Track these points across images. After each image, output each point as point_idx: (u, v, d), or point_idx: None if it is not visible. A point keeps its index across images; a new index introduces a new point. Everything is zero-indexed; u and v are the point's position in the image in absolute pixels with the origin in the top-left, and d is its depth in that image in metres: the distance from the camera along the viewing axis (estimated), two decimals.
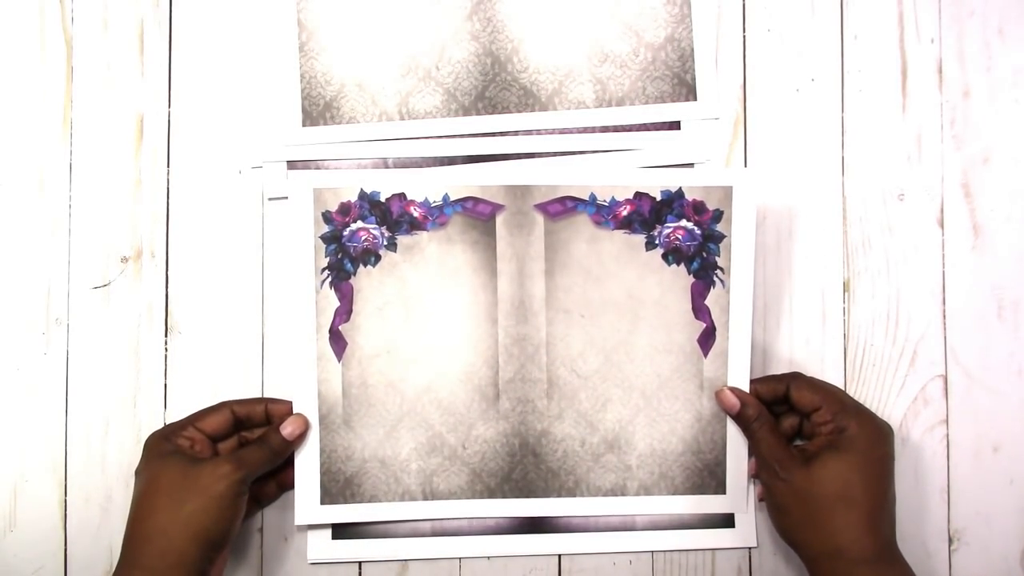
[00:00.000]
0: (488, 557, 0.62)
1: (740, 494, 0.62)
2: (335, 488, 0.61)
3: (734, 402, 0.60)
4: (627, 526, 0.62)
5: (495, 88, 0.63)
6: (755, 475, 0.61)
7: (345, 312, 0.60)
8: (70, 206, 0.63)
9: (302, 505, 0.61)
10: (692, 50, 0.63)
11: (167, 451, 0.56)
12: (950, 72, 0.64)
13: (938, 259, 0.63)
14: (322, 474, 0.61)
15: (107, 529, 0.62)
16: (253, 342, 0.63)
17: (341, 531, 0.62)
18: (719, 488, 0.62)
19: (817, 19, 0.64)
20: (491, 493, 0.62)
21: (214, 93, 0.64)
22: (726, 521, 0.62)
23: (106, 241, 0.63)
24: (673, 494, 0.62)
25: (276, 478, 0.61)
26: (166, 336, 0.63)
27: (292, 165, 0.63)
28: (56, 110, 0.63)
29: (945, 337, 0.63)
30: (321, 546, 0.62)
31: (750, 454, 0.61)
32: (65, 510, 0.62)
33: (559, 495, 0.62)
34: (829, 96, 0.64)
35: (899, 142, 0.63)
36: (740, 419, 0.60)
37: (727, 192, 0.60)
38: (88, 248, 0.63)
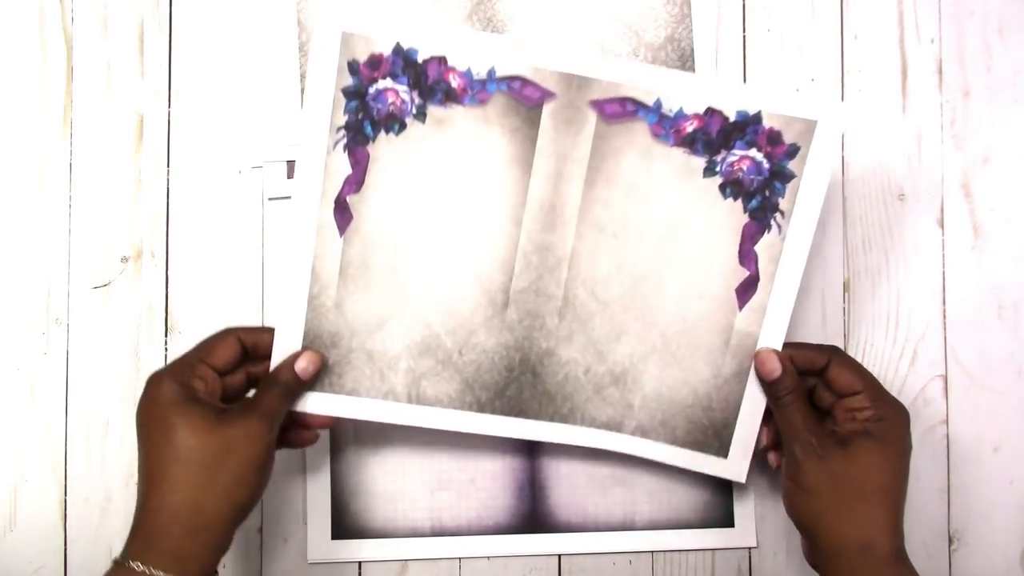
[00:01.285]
0: (488, 557, 0.62)
1: (742, 462, 0.57)
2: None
3: (775, 366, 0.55)
4: (627, 526, 0.62)
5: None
6: (768, 448, 0.58)
7: (356, 182, 0.54)
8: (70, 206, 0.63)
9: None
10: (692, 50, 0.63)
11: (184, 398, 0.50)
12: (950, 72, 0.64)
13: (938, 259, 0.63)
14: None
15: (107, 529, 0.62)
16: None
17: (341, 531, 0.62)
18: (721, 450, 0.57)
19: (817, 19, 0.64)
20: (481, 407, 0.57)
21: (214, 93, 0.64)
22: (726, 520, 0.62)
23: (106, 241, 0.63)
24: (672, 444, 0.57)
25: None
26: (166, 336, 0.63)
27: (292, 166, 0.63)
28: (56, 110, 0.63)
29: (945, 337, 0.63)
30: (321, 546, 0.62)
31: (763, 424, 0.57)
32: (65, 510, 0.62)
33: (551, 420, 0.57)
34: (829, 96, 0.64)
35: (899, 142, 0.63)
36: (774, 387, 0.55)
37: (809, 127, 0.53)
38: (88, 248, 0.63)
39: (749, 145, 0.54)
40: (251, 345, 0.55)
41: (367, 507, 0.62)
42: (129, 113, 0.64)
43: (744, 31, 0.64)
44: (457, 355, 0.56)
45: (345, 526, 0.62)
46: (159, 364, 0.63)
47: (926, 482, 0.62)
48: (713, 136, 0.54)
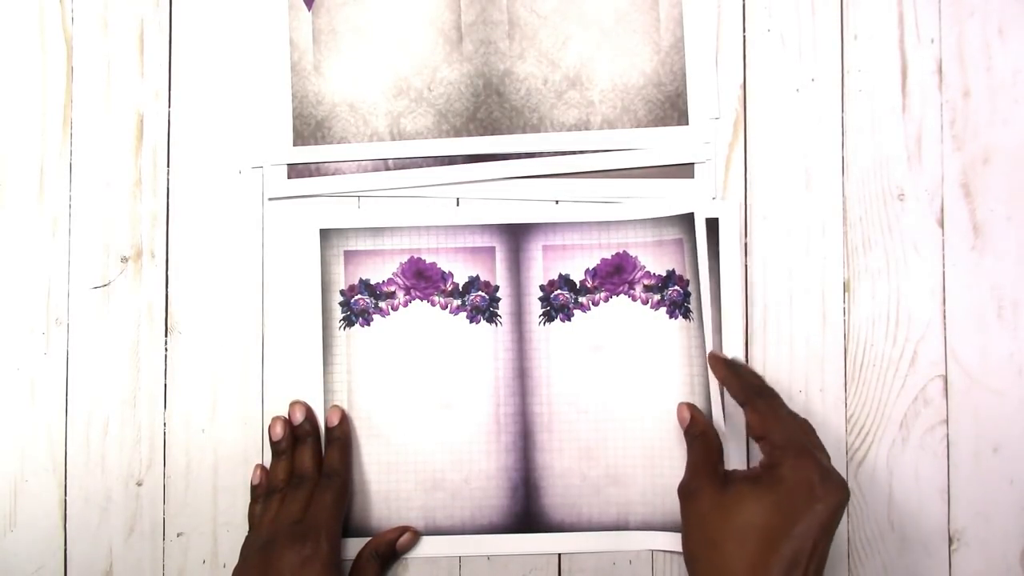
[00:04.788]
0: (488, 556, 0.62)
1: (705, 126, 0.62)
2: (307, 130, 0.62)
3: (685, 417, 0.59)
4: (620, 526, 0.62)
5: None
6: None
7: None
8: (70, 206, 0.63)
9: (273, 143, 0.62)
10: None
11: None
12: (950, 72, 0.64)
13: (938, 259, 0.63)
14: (294, 118, 0.62)
15: (107, 529, 0.62)
16: (253, 342, 0.63)
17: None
18: (681, 119, 0.62)
19: (817, 19, 0.64)
20: (457, 132, 0.62)
21: (214, 93, 0.64)
22: None
23: (106, 241, 0.63)
24: (636, 127, 0.62)
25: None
26: (166, 336, 0.63)
27: (293, 169, 0.63)
28: (56, 110, 0.63)
29: (945, 337, 0.63)
30: None
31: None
32: (65, 510, 0.62)
33: (524, 131, 0.62)
34: (829, 96, 0.64)
35: (899, 142, 0.63)
36: (686, 434, 0.59)
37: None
38: (88, 248, 0.63)
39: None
40: (384, 551, 0.61)
41: (360, 507, 0.62)
42: (129, 113, 0.63)
43: (744, 31, 0.64)
44: (427, 91, 0.62)
45: None
46: (159, 364, 0.63)
47: (926, 482, 0.62)
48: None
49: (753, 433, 0.55)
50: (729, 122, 0.63)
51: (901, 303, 0.63)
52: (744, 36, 0.64)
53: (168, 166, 0.64)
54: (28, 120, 0.63)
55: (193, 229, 0.63)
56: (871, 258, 0.63)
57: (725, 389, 0.60)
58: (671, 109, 0.62)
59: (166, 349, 0.63)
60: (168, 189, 0.63)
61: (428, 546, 0.62)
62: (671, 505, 0.61)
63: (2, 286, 0.63)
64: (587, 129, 0.62)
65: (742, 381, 0.58)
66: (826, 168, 0.63)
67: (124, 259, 0.63)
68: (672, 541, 0.61)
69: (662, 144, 0.63)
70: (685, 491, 0.56)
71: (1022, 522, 0.62)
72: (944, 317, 0.63)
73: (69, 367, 0.63)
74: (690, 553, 0.54)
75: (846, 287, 0.63)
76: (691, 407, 0.60)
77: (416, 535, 0.61)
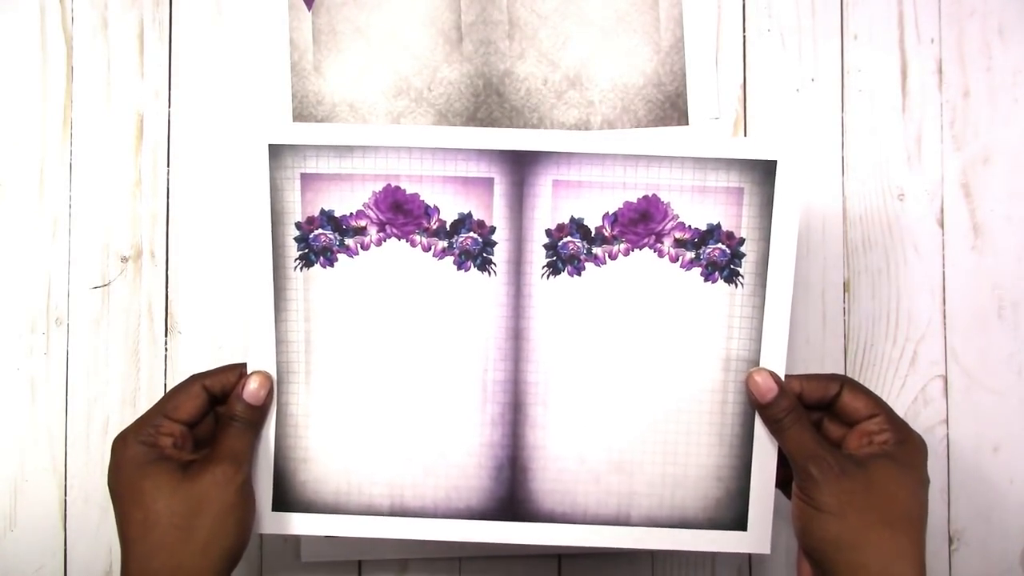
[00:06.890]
0: (487, 557, 0.62)
1: (705, 126, 0.59)
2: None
3: (771, 386, 0.51)
4: (620, 520, 0.54)
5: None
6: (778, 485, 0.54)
7: None
8: (70, 206, 0.63)
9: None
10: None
11: (149, 459, 0.49)
12: (950, 72, 0.64)
13: (938, 259, 0.63)
14: (294, 118, 0.60)
15: (107, 529, 0.62)
16: None
17: (284, 502, 0.54)
18: (681, 119, 0.60)
19: (817, 19, 0.64)
20: None
21: (214, 94, 0.64)
22: (737, 522, 0.54)
23: (106, 241, 0.63)
24: (636, 127, 0.60)
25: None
26: (166, 336, 0.63)
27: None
28: (56, 110, 0.63)
29: (945, 337, 0.63)
30: (260, 518, 0.54)
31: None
32: (65, 510, 0.62)
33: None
34: (829, 96, 0.64)
35: (899, 142, 0.63)
36: (771, 408, 0.51)
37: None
38: (88, 248, 0.63)
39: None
40: (218, 391, 0.53)
41: (317, 477, 0.54)
42: (129, 113, 0.64)
43: (744, 31, 0.64)
44: (427, 91, 0.61)
45: (290, 497, 0.54)
46: (159, 364, 0.63)
47: None
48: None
49: (861, 415, 0.51)
50: (729, 122, 0.63)
51: (901, 303, 0.63)
52: (744, 36, 0.64)
53: (168, 166, 0.64)
54: (28, 120, 0.63)
55: (193, 229, 0.63)
56: (871, 258, 0.63)
57: (804, 390, 0.53)
58: (671, 109, 0.62)
59: (166, 349, 0.63)
60: (168, 189, 0.63)
61: (393, 529, 0.54)
62: (680, 499, 0.54)
63: (2, 286, 0.63)
64: (587, 129, 0.62)
65: (821, 377, 0.53)
66: (826, 168, 0.63)
67: (124, 259, 0.63)
68: (678, 540, 0.54)
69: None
70: (822, 469, 0.49)
71: (1022, 522, 0.62)
72: (944, 317, 0.63)
73: (69, 367, 0.63)
74: (837, 540, 0.48)
75: (846, 287, 0.63)
76: (773, 375, 0.51)
77: (266, 376, 0.52)
